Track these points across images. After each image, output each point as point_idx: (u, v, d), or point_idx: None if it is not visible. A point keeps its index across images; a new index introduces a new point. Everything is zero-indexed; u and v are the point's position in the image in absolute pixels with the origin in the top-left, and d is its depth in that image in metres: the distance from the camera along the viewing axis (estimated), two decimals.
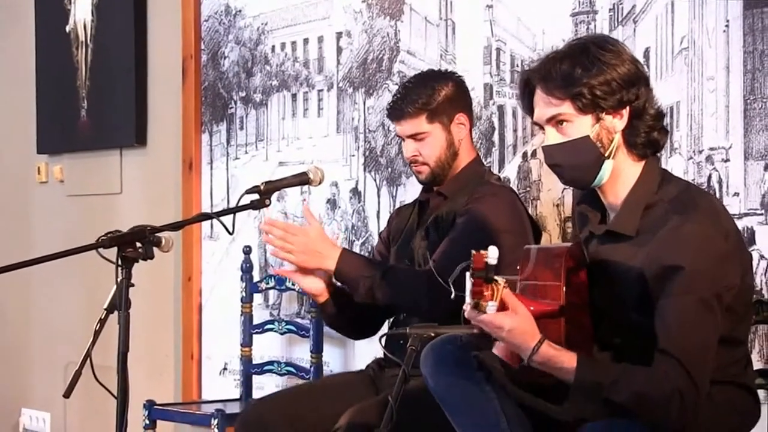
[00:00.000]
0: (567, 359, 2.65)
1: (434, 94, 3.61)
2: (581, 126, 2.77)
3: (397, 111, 3.65)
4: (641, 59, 3.62)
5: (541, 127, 2.84)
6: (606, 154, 2.78)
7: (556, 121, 2.79)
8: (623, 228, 2.79)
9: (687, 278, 2.63)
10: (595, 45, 2.80)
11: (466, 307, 2.65)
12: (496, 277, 2.63)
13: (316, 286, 3.58)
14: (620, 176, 2.80)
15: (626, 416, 2.63)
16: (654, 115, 2.81)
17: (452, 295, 2.70)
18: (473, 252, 2.60)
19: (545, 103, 2.80)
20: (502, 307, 2.64)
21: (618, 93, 2.75)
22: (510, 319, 2.65)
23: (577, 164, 2.80)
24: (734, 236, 2.76)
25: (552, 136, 2.80)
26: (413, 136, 3.63)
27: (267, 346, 4.78)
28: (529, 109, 2.88)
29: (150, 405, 4.53)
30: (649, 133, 2.80)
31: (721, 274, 2.67)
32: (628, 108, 2.77)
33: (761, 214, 3.35)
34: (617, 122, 2.78)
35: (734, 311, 2.72)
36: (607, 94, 2.75)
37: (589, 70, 2.74)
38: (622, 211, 2.81)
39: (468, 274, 2.61)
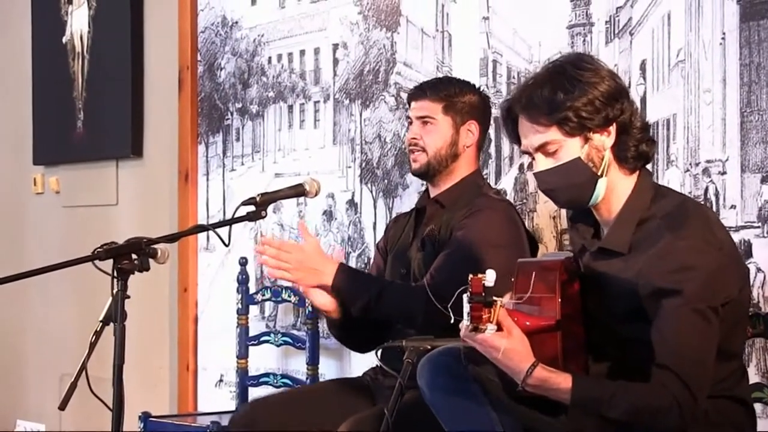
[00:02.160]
0: (562, 380, 2.65)
1: (460, 93, 3.67)
2: (571, 149, 2.77)
3: (419, 91, 3.72)
4: (637, 72, 3.63)
5: (531, 155, 2.84)
6: (599, 173, 2.78)
7: (546, 148, 2.78)
8: (615, 245, 2.78)
9: (682, 296, 2.62)
10: (571, 65, 2.79)
11: (463, 329, 2.64)
12: (493, 298, 2.62)
13: (326, 301, 3.57)
14: (613, 192, 2.80)
15: (625, 431, 2.63)
16: (640, 128, 2.81)
17: (451, 320, 2.69)
18: (471, 276, 2.59)
19: (532, 132, 2.79)
20: (499, 328, 2.64)
21: (603, 111, 2.75)
22: (505, 341, 2.65)
23: (571, 187, 2.80)
24: (729, 248, 2.76)
25: (542, 162, 2.80)
26: (422, 118, 3.66)
27: (263, 358, 4.77)
28: (514, 137, 2.88)
29: (145, 417, 4.52)
30: (638, 146, 2.79)
31: (716, 287, 2.66)
32: (614, 124, 2.77)
33: (758, 227, 3.34)
34: (606, 139, 2.78)
35: (729, 322, 2.71)
36: (593, 114, 2.74)
37: (571, 92, 2.74)
38: (614, 227, 2.80)
39: (466, 297, 2.60)
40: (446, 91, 3.66)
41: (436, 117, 3.64)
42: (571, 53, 3.01)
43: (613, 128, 2.77)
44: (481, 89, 3.81)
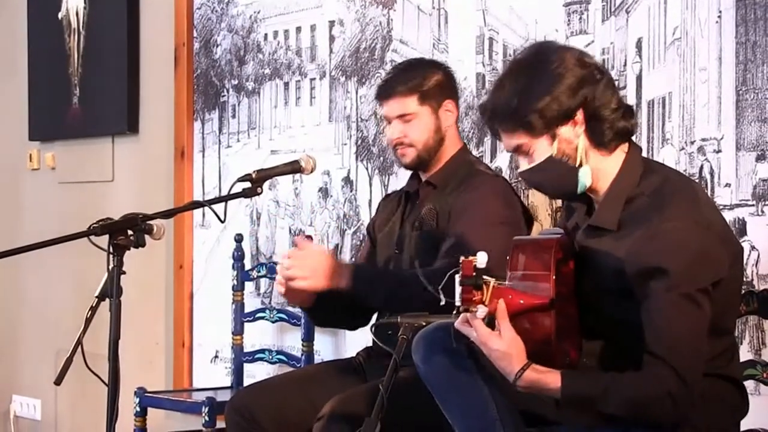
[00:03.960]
0: (552, 380, 2.65)
1: (426, 77, 3.60)
2: (541, 149, 2.77)
3: (387, 89, 3.62)
4: (633, 50, 3.63)
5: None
6: (576, 164, 2.77)
7: (520, 149, 2.80)
8: (605, 223, 2.78)
9: (670, 278, 2.61)
10: (534, 60, 2.78)
11: (458, 320, 2.67)
12: (485, 277, 2.63)
13: (301, 297, 3.54)
14: (600, 173, 2.79)
15: (619, 424, 2.63)
16: (614, 108, 2.77)
17: (442, 303, 2.70)
18: (461, 258, 2.60)
19: (504, 136, 2.82)
20: (491, 322, 2.65)
21: (566, 104, 2.72)
22: (497, 342, 2.66)
23: (554, 182, 2.81)
24: (718, 226, 2.74)
25: (523, 162, 2.83)
26: (401, 116, 3.59)
27: (258, 335, 4.78)
28: (497, 135, 2.89)
29: (141, 392, 4.53)
30: (612, 127, 2.77)
31: (704, 267, 2.65)
32: (580, 112, 2.75)
33: (752, 205, 3.35)
34: (577, 128, 2.76)
35: (720, 300, 2.70)
36: (556, 111, 2.73)
37: (532, 93, 2.73)
38: (603, 205, 2.80)
39: (457, 279, 2.61)
40: (414, 79, 3.58)
41: (413, 111, 3.59)
42: (533, 45, 2.95)
43: (580, 116, 2.75)
44: (439, 61, 3.79)
